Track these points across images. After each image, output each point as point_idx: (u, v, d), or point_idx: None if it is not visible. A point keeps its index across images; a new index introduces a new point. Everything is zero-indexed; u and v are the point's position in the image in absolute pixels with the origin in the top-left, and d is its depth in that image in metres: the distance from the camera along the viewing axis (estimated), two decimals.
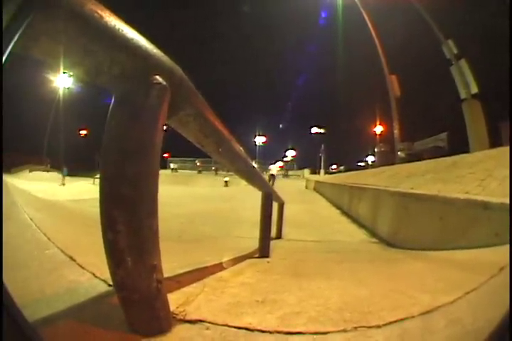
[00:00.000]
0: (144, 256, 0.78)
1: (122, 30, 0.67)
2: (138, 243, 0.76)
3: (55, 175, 26.96)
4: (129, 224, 0.74)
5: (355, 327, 0.90)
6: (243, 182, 2.97)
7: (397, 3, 19.62)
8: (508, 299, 0.70)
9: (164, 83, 0.79)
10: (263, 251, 2.47)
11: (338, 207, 8.48)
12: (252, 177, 2.34)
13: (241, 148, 1.66)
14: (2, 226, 1.37)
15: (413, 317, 0.95)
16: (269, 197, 2.67)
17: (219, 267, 1.75)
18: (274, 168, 22.50)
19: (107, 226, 0.75)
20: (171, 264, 1.44)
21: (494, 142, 13.91)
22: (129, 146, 0.75)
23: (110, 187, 0.76)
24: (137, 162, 0.75)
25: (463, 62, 16.36)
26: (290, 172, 40.77)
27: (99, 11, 0.61)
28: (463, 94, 16.24)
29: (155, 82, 0.77)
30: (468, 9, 16.71)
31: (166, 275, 0.90)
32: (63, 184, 21.16)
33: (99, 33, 0.62)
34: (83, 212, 5.15)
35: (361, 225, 5.61)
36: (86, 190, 12.50)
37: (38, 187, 12.32)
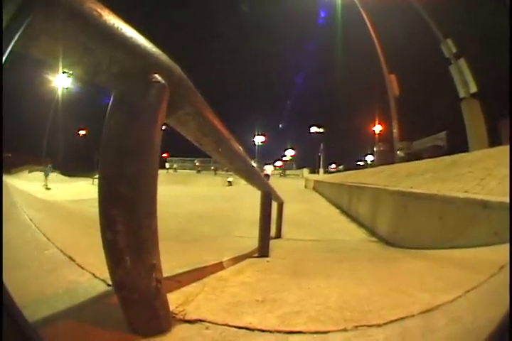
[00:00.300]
0: (143, 256, 0.78)
1: (121, 29, 0.67)
2: (137, 242, 0.76)
3: (53, 175, 26.71)
4: (127, 223, 0.74)
5: (356, 326, 0.90)
6: (243, 182, 2.97)
7: (396, 3, 19.62)
8: (508, 298, 0.70)
9: (163, 82, 0.79)
10: (263, 251, 2.47)
11: (338, 207, 8.48)
12: (252, 177, 2.34)
13: (240, 147, 1.66)
14: (2, 226, 1.37)
15: (413, 316, 0.95)
16: (268, 197, 2.67)
17: (219, 266, 1.75)
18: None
19: (105, 225, 0.75)
20: (170, 264, 1.44)
21: (493, 141, 13.93)
22: (128, 145, 0.74)
23: (109, 187, 0.76)
24: (136, 161, 0.75)
25: (462, 61, 16.38)
26: (289, 172, 40.83)
27: (98, 10, 0.61)
28: (462, 93, 16.27)
29: (154, 80, 0.77)
30: (467, 8, 16.72)
31: (165, 275, 0.89)
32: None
33: (98, 31, 0.62)
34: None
35: (360, 224, 5.61)
36: (79, 193, 11.74)
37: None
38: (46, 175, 19.91)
